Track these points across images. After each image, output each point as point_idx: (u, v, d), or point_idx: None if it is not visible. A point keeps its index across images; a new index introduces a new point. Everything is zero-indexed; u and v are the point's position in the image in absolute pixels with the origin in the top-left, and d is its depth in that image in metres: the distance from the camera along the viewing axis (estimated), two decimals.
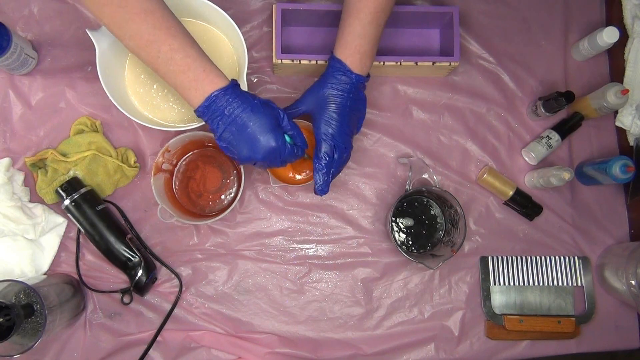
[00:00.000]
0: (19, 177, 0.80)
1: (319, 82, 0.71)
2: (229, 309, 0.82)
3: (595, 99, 0.84)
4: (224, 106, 0.63)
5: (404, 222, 0.86)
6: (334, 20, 0.85)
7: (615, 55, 0.91)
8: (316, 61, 0.80)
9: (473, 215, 0.87)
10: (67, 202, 0.77)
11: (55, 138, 0.83)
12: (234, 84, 0.64)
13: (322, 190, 0.70)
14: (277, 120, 0.65)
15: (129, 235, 0.80)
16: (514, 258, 0.86)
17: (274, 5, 0.80)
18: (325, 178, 0.70)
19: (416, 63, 0.82)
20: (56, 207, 0.81)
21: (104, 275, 0.81)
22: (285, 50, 0.85)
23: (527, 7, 0.93)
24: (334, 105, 0.69)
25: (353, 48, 0.69)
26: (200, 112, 0.64)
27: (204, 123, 0.76)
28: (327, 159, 0.69)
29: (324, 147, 0.69)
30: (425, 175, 0.84)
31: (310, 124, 0.73)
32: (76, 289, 0.78)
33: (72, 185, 0.77)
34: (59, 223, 0.80)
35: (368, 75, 0.72)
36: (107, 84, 0.74)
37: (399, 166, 0.87)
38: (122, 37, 0.63)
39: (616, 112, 0.88)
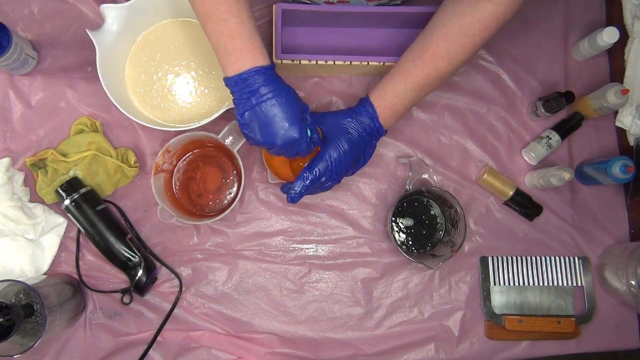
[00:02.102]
0: (19, 177, 0.80)
1: (345, 112, 0.73)
2: (229, 309, 0.82)
3: (595, 99, 0.84)
4: (261, 84, 0.62)
5: (404, 222, 0.85)
6: (334, 20, 0.86)
7: (615, 55, 0.91)
8: (316, 61, 0.80)
9: (473, 215, 0.87)
10: (67, 202, 0.77)
11: (55, 138, 0.83)
12: (274, 67, 0.64)
13: (293, 199, 0.71)
14: (303, 113, 0.66)
15: (129, 235, 0.80)
16: (514, 258, 0.86)
17: (274, 6, 0.80)
18: (303, 191, 0.71)
19: None
20: (56, 207, 0.81)
21: (104, 275, 0.81)
22: (286, 50, 0.85)
23: (528, 7, 0.92)
24: (349, 136, 0.71)
25: (388, 102, 0.71)
26: (233, 81, 0.63)
27: (204, 123, 0.77)
28: (317, 175, 0.70)
29: (321, 165, 0.70)
30: (425, 175, 0.84)
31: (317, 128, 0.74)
32: (76, 289, 0.78)
33: (72, 185, 0.77)
34: (59, 223, 0.80)
35: (386, 131, 0.74)
36: (107, 84, 0.74)
37: (399, 166, 0.87)
38: None
39: (616, 112, 0.88)
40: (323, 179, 0.71)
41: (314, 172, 0.70)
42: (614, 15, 0.92)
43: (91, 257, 0.81)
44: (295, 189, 0.70)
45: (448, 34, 0.68)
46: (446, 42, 0.68)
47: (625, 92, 0.80)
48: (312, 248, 0.85)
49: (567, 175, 0.79)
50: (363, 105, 0.73)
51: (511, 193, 0.85)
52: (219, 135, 0.77)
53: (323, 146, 0.71)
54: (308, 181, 0.70)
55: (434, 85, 0.72)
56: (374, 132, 0.73)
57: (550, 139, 0.85)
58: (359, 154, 0.73)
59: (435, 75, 0.70)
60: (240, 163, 0.76)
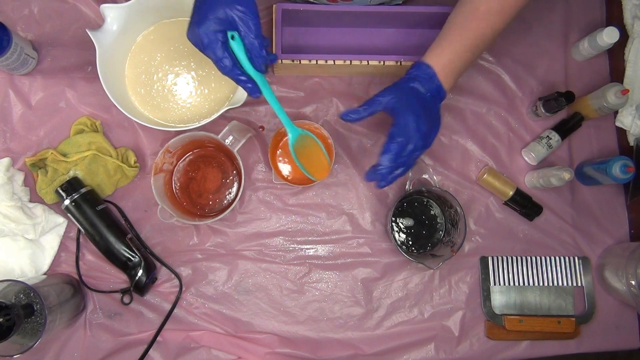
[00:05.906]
0: (19, 177, 0.80)
1: (404, 78, 0.67)
2: (229, 309, 0.82)
3: (595, 99, 0.84)
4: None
5: (404, 222, 0.85)
6: (334, 20, 0.86)
7: (615, 55, 0.91)
8: (316, 61, 0.80)
9: (473, 215, 0.87)
10: (67, 202, 0.77)
11: (55, 138, 0.83)
12: None
13: (384, 176, 0.63)
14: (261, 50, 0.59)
15: (129, 235, 0.80)
16: (514, 258, 0.86)
17: (274, 5, 0.80)
18: (392, 165, 0.63)
19: None
20: (56, 207, 0.81)
21: (104, 275, 0.81)
22: (286, 50, 0.85)
23: (528, 7, 0.92)
24: (422, 99, 0.65)
25: (446, 62, 0.67)
26: None
27: (204, 123, 0.76)
28: (402, 144, 0.64)
29: (401, 133, 0.64)
30: (425, 175, 0.84)
31: (318, 126, 0.73)
32: (76, 289, 0.78)
33: (72, 185, 0.77)
34: (59, 223, 0.80)
35: (446, 92, 0.68)
36: (107, 84, 0.74)
37: None
38: None
39: (616, 112, 0.88)
40: (410, 146, 0.64)
41: (398, 141, 0.64)
42: (614, 15, 0.92)
43: (91, 257, 0.81)
44: (383, 164, 0.63)
45: None
46: None
47: (625, 92, 0.80)
48: (312, 248, 0.85)
49: (567, 175, 0.79)
50: (419, 66, 0.67)
51: (511, 193, 0.85)
52: (219, 135, 0.77)
53: (396, 116, 0.65)
54: (394, 153, 0.64)
55: (485, 47, 0.68)
56: (437, 92, 0.67)
57: (550, 139, 0.85)
58: (431, 119, 0.67)
59: (489, 34, 0.66)
60: (240, 163, 0.76)
